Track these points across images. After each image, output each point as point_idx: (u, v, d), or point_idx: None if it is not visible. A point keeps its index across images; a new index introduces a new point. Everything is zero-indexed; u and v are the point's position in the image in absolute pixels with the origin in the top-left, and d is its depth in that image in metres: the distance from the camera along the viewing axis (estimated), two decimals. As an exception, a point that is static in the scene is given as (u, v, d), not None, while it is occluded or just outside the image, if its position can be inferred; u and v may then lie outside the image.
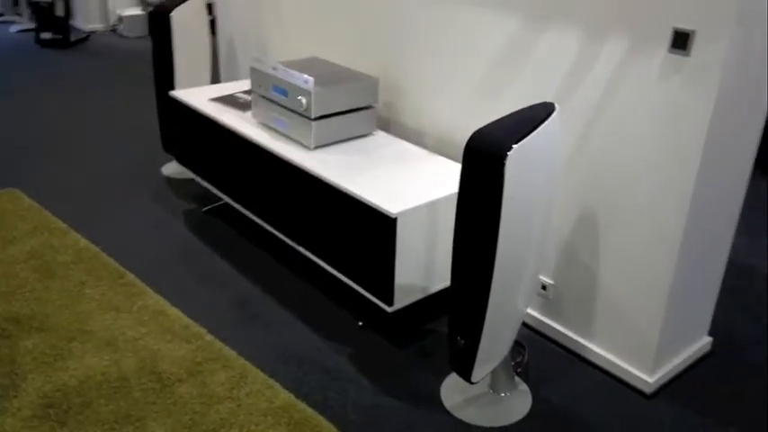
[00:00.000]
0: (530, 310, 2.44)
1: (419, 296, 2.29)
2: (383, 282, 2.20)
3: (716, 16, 1.74)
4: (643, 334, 2.12)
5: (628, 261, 2.10)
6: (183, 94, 3.02)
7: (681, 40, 1.83)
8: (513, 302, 1.95)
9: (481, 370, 1.99)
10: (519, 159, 1.72)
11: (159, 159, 3.65)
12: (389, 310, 2.23)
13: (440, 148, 2.60)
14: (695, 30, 1.79)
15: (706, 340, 2.34)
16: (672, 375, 2.21)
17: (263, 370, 2.19)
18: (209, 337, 2.32)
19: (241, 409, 2.03)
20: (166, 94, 3.20)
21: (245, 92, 3.05)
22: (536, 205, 1.85)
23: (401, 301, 2.23)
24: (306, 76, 2.42)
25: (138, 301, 2.49)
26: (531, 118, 1.82)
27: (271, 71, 2.57)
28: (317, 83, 2.40)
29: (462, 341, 1.99)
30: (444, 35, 2.46)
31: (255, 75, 2.65)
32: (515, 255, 1.84)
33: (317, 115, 2.45)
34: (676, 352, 2.22)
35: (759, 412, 2.09)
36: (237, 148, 2.71)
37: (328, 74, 2.55)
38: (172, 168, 3.56)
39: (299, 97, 2.44)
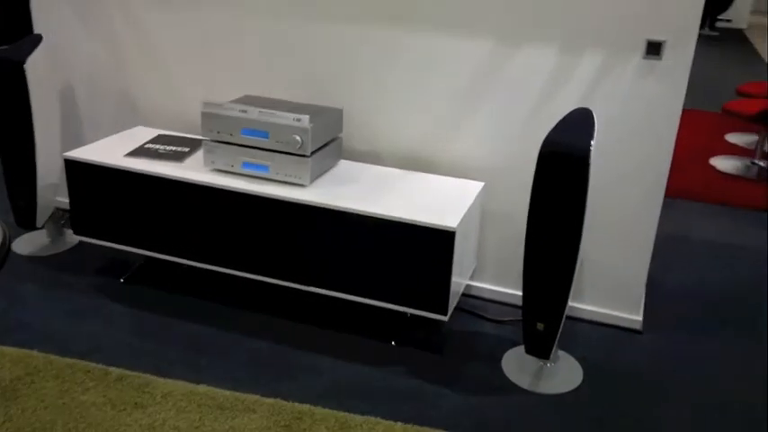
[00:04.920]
0: (516, 290, 2.77)
1: (458, 298, 2.45)
2: (439, 295, 2.32)
3: (681, 29, 2.29)
4: (629, 287, 2.63)
5: (614, 230, 2.57)
6: (83, 154, 2.61)
7: (654, 49, 2.34)
8: (577, 282, 2.28)
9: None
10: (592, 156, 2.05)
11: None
12: (446, 319, 2.36)
13: (405, 166, 2.75)
14: (665, 40, 2.32)
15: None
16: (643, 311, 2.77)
17: (349, 412, 2.14)
18: (269, 400, 2.16)
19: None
20: (18, 159, 2.74)
21: (152, 142, 2.76)
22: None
23: (450, 308, 2.38)
24: (295, 115, 2.38)
25: (153, 391, 2.17)
26: (581, 122, 2.16)
27: (240, 114, 2.43)
28: (310, 120, 2.38)
29: (542, 326, 2.26)
30: (398, 58, 2.62)
31: (211, 120, 2.47)
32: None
33: (312, 151, 2.43)
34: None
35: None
36: (197, 202, 2.49)
37: (299, 109, 2.51)
38: (29, 243, 2.98)
39: (294, 136, 2.38)
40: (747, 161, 4.61)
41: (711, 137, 5.17)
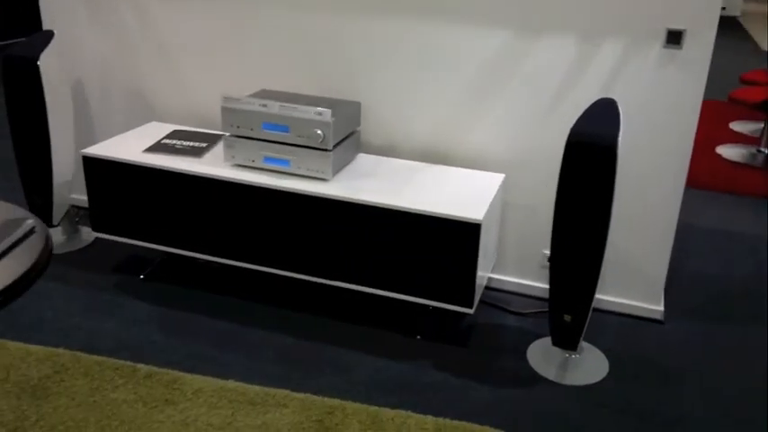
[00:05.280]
0: (538, 283, 2.78)
1: (482, 291, 2.46)
2: (464, 287, 2.33)
3: (701, 18, 2.29)
4: (651, 277, 2.63)
5: (635, 221, 2.57)
6: (102, 151, 2.60)
7: (674, 38, 2.34)
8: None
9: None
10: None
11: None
12: (471, 312, 2.36)
13: (422, 159, 2.74)
14: (686, 29, 2.32)
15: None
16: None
17: (380, 406, 2.15)
18: (299, 395, 2.16)
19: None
20: (34, 157, 2.73)
21: (168, 138, 2.74)
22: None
23: (476, 301, 2.38)
24: (317, 108, 2.37)
25: (183, 387, 2.16)
26: (607, 112, 2.16)
27: (261, 108, 2.42)
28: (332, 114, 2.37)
29: (569, 318, 2.26)
30: (413, 50, 2.61)
31: (231, 114, 2.45)
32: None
33: (333, 145, 2.42)
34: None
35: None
36: (218, 197, 2.48)
37: (317, 103, 2.50)
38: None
39: (316, 130, 2.37)
40: (753, 149, 4.63)
41: (715, 125, 5.19)
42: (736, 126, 5.17)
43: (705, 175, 4.19)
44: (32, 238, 1.42)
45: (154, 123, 2.98)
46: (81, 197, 3.29)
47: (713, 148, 4.66)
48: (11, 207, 1.55)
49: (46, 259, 1.36)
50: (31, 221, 1.45)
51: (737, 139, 4.89)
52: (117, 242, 2.99)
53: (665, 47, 2.36)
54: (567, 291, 2.23)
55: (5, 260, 1.35)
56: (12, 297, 1.29)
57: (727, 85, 5.83)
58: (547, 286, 2.76)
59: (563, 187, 2.13)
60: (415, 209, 2.29)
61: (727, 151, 4.63)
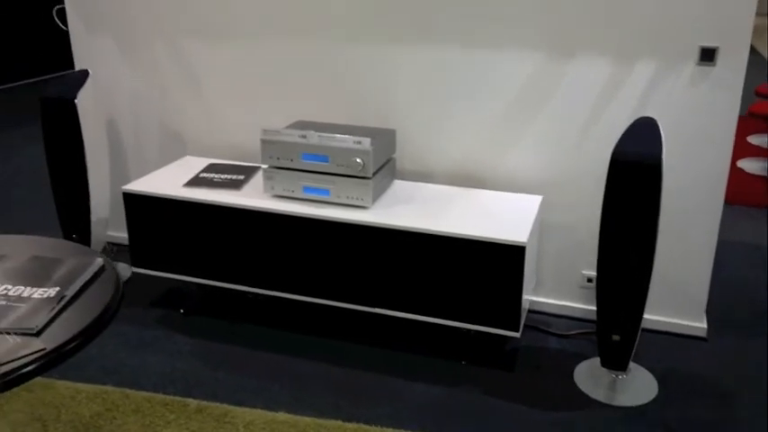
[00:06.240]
0: (577, 303, 2.77)
1: (526, 313, 2.45)
2: (510, 311, 2.32)
3: (734, 35, 2.31)
4: (693, 294, 2.63)
5: (676, 238, 2.57)
6: (142, 187, 2.62)
7: (707, 55, 2.36)
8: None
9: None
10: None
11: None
12: (518, 335, 2.36)
13: (456, 183, 2.76)
14: (718, 46, 2.34)
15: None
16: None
17: (434, 433, 2.14)
18: (351, 425, 2.14)
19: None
20: (72, 195, 2.77)
21: (206, 171, 2.76)
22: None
23: (521, 324, 2.37)
24: (356, 137, 2.39)
25: (234, 420, 2.15)
26: (648, 131, 2.17)
27: (300, 139, 2.44)
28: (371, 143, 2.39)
29: (617, 337, 2.25)
30: (445, 76, 2.63)
31: (271, 147, 2.48)
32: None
33: (373, 173, 2.44)
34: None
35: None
36: (259, 229, 2.49)
37: (354, 132, 2.53)
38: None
39: (355, 158, 2.39)
40: (774, 162, 4.63)
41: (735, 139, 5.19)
42: (754, 140, 5.18)
43: (730, 192, 4.19)
44: (102, 277, 1.43)
45: (188, 157, 3.00)
46: (116, 234, 3.30)
47: (734, 163, 4.67)
48: (77, 246, 1.56)
49: (118, 301, 1.36)
50: (100, 260, 1.46)
51: (758, 152, 4.90)
52: (153, 277, 2.99)
53: (698, 64, 2.38)
54: (616, 310, 2.22)
55: (79, 301, 1.36)
56: (87, 340, 1.30)
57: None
58: (586, 306, 2.75)
59: (608, 207, 2.14)
60: (458, 233, 2.30)
61: (749, 165, 4.63)
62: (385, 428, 2.13)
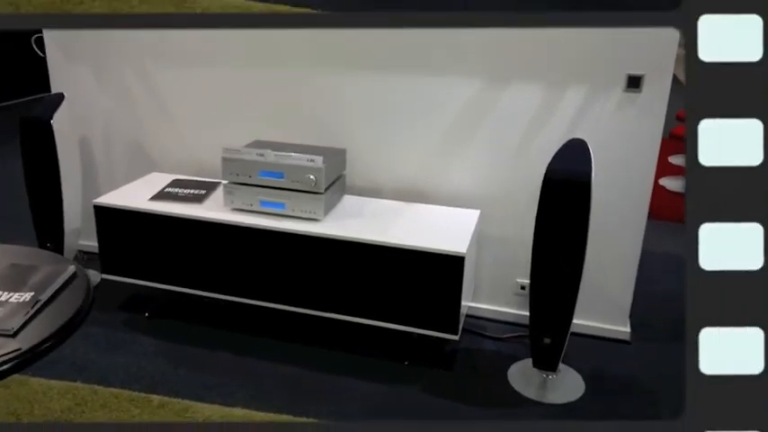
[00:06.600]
0: (511, 309, 3.02)
1: (464, 318, 2.69)
2: (450, 316, 2.56)
3: (658, 64, 2.55)
4: (618, 301, 2.89)
5: (602, 249, 2.81)
6: (112, 200, 2.84)
7: (634, 82, 2.59)
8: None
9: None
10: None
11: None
12: (457, 338, 2.59)
13: (403, 198, 2.99)
14: (644, 74, 2.58)
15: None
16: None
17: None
18: (301, 419, 2.36)
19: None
20: (47, 209, 2.99)
21: (170, 186, 2.97)
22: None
23: (460, 328, 2.61)
24: (309, 156, 2.61)
25: (195, 415, 2.36)
26: (579, 151, 2.36)
27: (258, 158, 2.66)
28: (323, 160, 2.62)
29: (548, 340, 2.49)
30: (392, 99, 2.87)
31: (231, 164, 2.70)
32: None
33: (324, 188, 2.67)
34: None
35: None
36: (220, 239, 2.70)
37: (308, 151, 2.74)
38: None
39: (309, 175, 2.61)
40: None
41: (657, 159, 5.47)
42: (675, 160, 5.49)
43: (654, 206, 4.46)
44: (75, 283, 1.63)
45: (154, 174, 3.21)
46: (87, 243, 3.49)
47: (656, 181, 4.96)
48: (51, 255, 1.76)
49: (89, 305, 1.56)
50: (72, 267, 1.67)
51: (679, 171, 5.20)
52: (121, 283, 3.18)
53: (625, 91, 2.62)
54: (547, 315, 2.46)
55: (53, 305, 1.56)
56: (60, 341, 1.49)
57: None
58: (519, 312, 3.00)
59: (541, 220, 2.36)
60: (403, 244, 2.53)
61: (670, 183, 4.94)
62: (333, 423, 2.35)
